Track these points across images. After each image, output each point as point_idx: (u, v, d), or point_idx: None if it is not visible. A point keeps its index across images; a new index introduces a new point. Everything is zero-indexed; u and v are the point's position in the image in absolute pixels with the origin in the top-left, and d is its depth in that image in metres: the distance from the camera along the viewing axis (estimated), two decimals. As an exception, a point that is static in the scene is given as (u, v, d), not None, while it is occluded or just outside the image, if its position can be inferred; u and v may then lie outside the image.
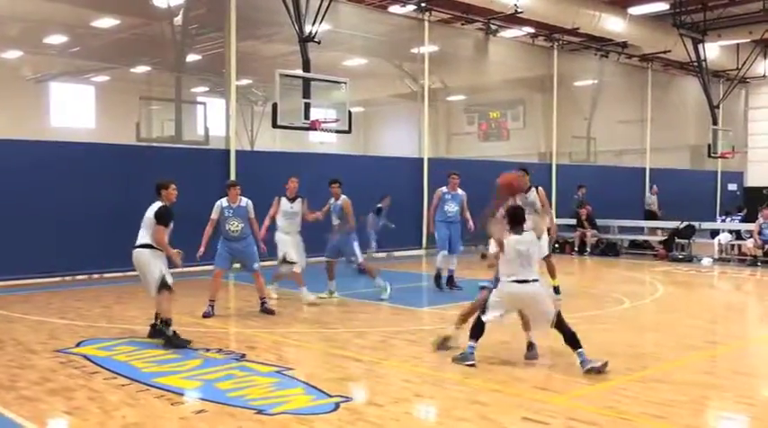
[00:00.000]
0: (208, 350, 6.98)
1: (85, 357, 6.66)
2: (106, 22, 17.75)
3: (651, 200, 20.48)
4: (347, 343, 7.41)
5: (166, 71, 17.38)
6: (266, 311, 9.09)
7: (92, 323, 8.50)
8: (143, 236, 7.56)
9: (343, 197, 10.22)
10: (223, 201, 9.17)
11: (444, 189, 11.11)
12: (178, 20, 15.20)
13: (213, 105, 16.47)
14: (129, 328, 8.05)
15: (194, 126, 16.62)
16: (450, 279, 11.01)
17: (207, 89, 21.82)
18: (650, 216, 20.14)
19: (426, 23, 17.41)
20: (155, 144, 14.84)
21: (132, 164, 12.87)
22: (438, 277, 11.04)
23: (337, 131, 13.81)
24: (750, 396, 5.73)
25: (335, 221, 10.25)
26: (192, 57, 16.52)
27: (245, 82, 21.64)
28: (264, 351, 7.01)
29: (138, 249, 7.47)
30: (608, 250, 17.14)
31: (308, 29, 13.22)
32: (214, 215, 9.14)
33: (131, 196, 12.57)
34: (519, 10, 16.58)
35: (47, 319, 8.60)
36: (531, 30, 19.87)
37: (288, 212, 10.04)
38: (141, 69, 22.90)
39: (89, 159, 12.28)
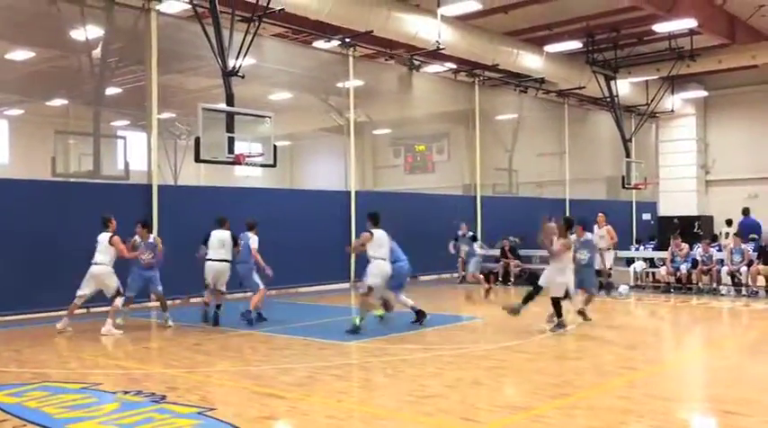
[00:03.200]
0: (126, 392, 6.73)
1: (-7, 405, 6.31)
2: (20, 55, 17.22)
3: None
4: (272, 380, 7.29)
5: (84, 104, 16.93)
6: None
7: (1, 367, 8.06)
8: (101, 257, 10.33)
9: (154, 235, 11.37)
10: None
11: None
12: (97, 52, 14.86)
13: (134, 139, 16.12)
14: (41, 372, 7.67)
15: (114, 160, 16.19)
16: None
17: (128, 123, 21.36)
18: None
19: (351, 58, 17.63)
20: (72, 179, 14.37)
21: (47, 199, 12.42)
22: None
23: (262, 165, 13.72)
24: (664, 418, 5.93)
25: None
26: (111, 91, 16.15)
27: (167, 115, 21.29)
28: (186, 391, 6.81)
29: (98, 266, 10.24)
30: (531, 280, 17.49)
31: (231, 63, 13.16)
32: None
33: (47, 232, 12.15)
34: (441, 46, 16.97)
35: (-49, 365, 8.13)
36: (453, 65, 20.38)
37: None
38: (58, 103, 22.27)
39: (1, 195, 11.77)
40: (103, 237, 10.62)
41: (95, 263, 10.46)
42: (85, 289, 10.44)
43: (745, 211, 18.96)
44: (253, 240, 11.47)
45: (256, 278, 11.29)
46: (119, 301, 10.46)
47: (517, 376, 7.76)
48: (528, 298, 10.48)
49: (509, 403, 6.53)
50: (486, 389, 7.02)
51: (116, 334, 10.20)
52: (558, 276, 10.31)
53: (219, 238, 11.14)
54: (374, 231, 10.43)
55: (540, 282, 10.51)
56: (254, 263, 11.34)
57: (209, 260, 11.04)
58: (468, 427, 5.65)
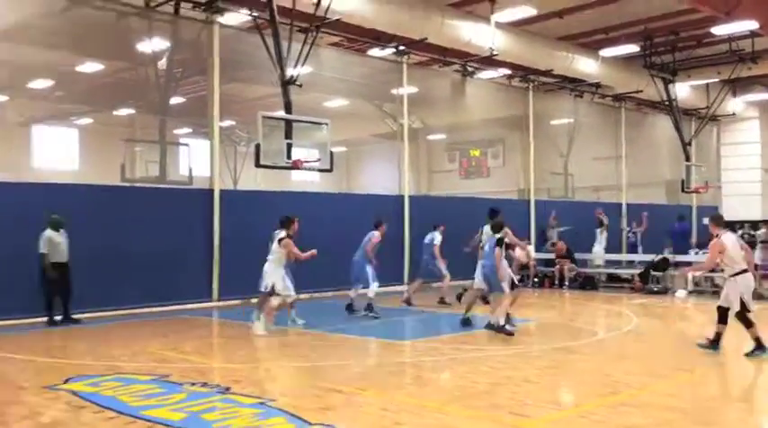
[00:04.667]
0: (193, 384, 7.15)
1: (73, 393, 6.80)
2: (90, 67, 18.12)
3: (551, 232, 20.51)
4: (329, 375, 7.61)
5: (150, 114, 17.72)
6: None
7: (77, 361, 8.63)
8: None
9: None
10: None
11: (378, 233, 12.46)
12: (162, 64, 15.56)
13: (197, 146, 16.80)
14: (114, 365, 8.19)
15: (178, 167, 16.93)
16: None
17: (190, 130, 22.21)
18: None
19: (404, 66, 17.93)
20: (139, 184, 15.08)
21: (118, 204, 13.09)
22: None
23: (319, 170, 14.14)
24: (710, 418, 6.00)
25: None
26: (175, 100, 16.85)
27: (228, 123, 22.04)
28: (249, 384, 7.19)
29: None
30: (586, 283, 17.47)
31: (289, 72, 13.62)
32: None
33: (117, 236, 12.82)
34: (494, 53, 17.13)
35: (34, 358, 8.72)
36: (507, 71, 20.46)
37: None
38: (125, 112, 23.30)
39: (74, 200, 12.46)
40: (277, 235, 10.81)
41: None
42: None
43: (681, 218, 19.90)
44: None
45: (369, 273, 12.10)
46: (275, 300, 10.49)
47: (568, 375, 7.90)
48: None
49: (558, 400, 6.68)
50: (535, 387, 7.18)
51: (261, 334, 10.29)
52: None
53: None
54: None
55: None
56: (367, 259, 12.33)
57: None
58: (516, 421, 5.84)
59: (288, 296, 10.61)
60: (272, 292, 10.43)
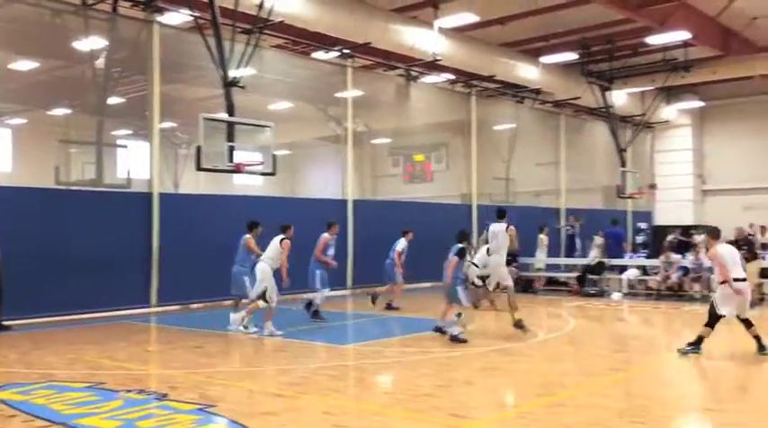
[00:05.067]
0: (129, 391, 6.98)
1: (2, 401, 6.55)
2: (24, 65, 17.54)
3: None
4: (270, 380, 7.55)
5: (87, 114, 17.23)
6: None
7: (8, 368, 8.32)
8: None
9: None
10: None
11: (328, 235, 12.34)
12: (100, 63, 15.16)
13: (136, 148, 16.40)
14: (47, 373, 7.92)
15: (116, 169, 16.49)
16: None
17: (130, 132, 21.67)
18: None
19: (349, 69, 17.95)
20: (74, 187, 14.64)
21: (52, 207, 12.70)
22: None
23: (262, 174, 14.00)
24: (642, 416, 6.18)
25: None
26: (113, 100, 16.43)
27: (168, 125, 21.60)
28: (187, 390, 7.07)
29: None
30: (527, 287, 17.77)
31: (232, 73, 13.47)
32: None
33: (51, 239, 12.43)
34: (438, 58, 17.31)
35: (-41, 366, 8.38)
36: (450, 76, 20.70)
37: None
38: (61, 112, 22.61)
39: (5, 203, 12.04)
40: (277, 239, 10.99)
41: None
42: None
43: (614, 222, 20.58)
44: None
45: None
46: (262, 303, 10.62)
47: (507, 376, 8.03)
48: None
49: (497, 401, 6.78)
50: (476, 389, 7.28)
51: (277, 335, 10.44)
52: None
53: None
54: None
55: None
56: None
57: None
58: (456, 423, 5.91)
59: (273, 304, 10.66)
60: (263, 297, 10.56)
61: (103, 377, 7.62)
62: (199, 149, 12.36)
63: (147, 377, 8.07)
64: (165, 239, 13.93)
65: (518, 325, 10.58)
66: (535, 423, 5.91)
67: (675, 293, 15.89)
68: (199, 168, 12.53)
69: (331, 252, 12.29)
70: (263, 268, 10.72)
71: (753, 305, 14.34)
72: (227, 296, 14.91)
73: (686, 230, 23.64)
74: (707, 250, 16.84)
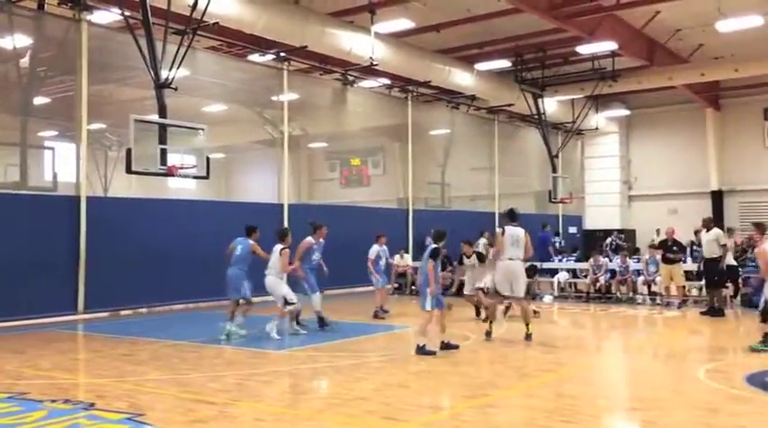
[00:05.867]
0: (53, 401, 6.75)
1: None
2: (-59, 62, 16.76)
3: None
4: (201, 387, 7.41)
5: (10, 114, 16.59)
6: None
7: None
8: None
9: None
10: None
11: (312, 239, 11.74)
12: (25, 61, 14.63)
13: (63, 150, 15.88)
14: (-36, 384, 7.59)
15: (42, 171, 15.92)
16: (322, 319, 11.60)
17: (56, 133, 20.95)
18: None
19: (285, 72, 17.84)
20: (-3, 191, 14.07)
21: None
22: (322, 318, 11.60)
23: (195, 177, 13.75)
24: (571, 415, 6.34)
25: None
26: (39, 100, 15.88)
27: (97, 126, 20.99)
28: (115, 398, 6.87)
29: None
30: (459, 291, 17.95)
31: (164, 74, 13.19)
32: None
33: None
34: (374, 62, 17.39)
35: None
36: (386, 81, 20.83)
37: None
38: (-18, 112, 21.66)
39: None
40: (277, 249, 11.00)
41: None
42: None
43: (543, 226, 21.19)
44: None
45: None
46: (291, 308, 10.84)
47: (441, 379, 8.10)
48: None
49: (430, 404, 6.84)
50: (409, 392, 7.32)
51: (275, 338, 10.48)
52: None
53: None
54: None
55: None
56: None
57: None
58: (389, 426, 5.93)
59: (295, 304, 10.90)
60: (287, 303, 10.75)
61: (26, 386, 7.35)
62: (129, 152, 12.06)
63: (73, 386, 7.81)
64: (93, 244, 13.54)
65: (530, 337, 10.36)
66: (466, 425, 5.99)
67: (603, 295, 16.37)
68: (129, 171, 12.22)
69: (316, 256, 11.69)
70: (272, 282, 10.89)
71: (680, 306, 14.99)
72: (157, 302, 14.67)
73: (619, 233, 24.51)
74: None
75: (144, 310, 14.22)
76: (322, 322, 11.55)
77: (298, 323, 11.38)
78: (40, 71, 15.08)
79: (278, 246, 11.05)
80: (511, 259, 10.39)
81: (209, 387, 7.44)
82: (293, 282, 11.43)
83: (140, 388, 7.43)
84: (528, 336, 10.39)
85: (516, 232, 10.43)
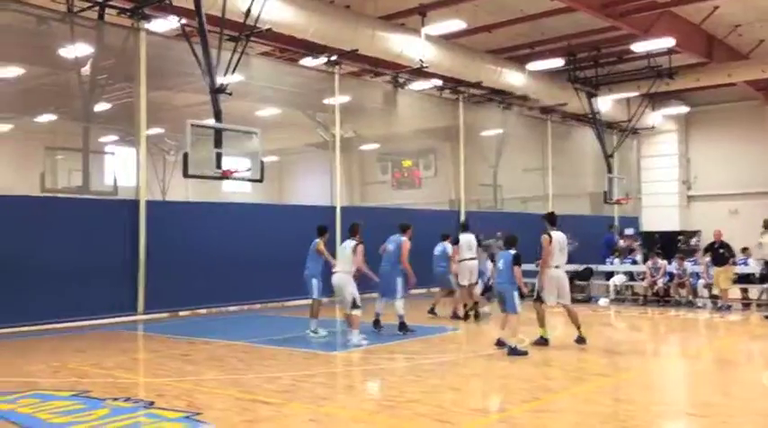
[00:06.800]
0: (115, 399, 6.97)
1: (-14, 411, 6.53)
2: (11, 71, 17.44)
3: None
4: (257, 388, 7.54)
5: (73, 121, 17.17)
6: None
7: (-8, 377, 8.28)
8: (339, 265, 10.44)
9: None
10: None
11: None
12: (86, 69, 15.14)
13: (123, 155, 16.37)
14: (31, 381, 7.89)
15: (103, 176, 16.45)
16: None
17: (116, 138, 21.60)
18: None
19: (337, 76, 18.00)
20: (60, 195, 14.59)
21: (37, 215, 12.64)
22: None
23: (250, 180, 13.99)
24: (626, 421, 6.23)
25: None
26: (100, 107, 16.40)
27: (156, 131, 21.55)
28: (173, 398, 7.05)
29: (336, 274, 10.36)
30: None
31: (219, 80, 13.46)
32: None
33: (36, 248, 12.36)
34: (425, 65, 17.39)
35: (-57, 375, 8.32)
36: (437, 82, 20.79)
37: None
38: (47, 119, 22.50)
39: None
40: (348, 244, 10.63)
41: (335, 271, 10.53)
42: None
43: (609, 227, 20.81)
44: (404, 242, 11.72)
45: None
46: (357, 312, 10.29)
47: (493, 382, 8.06)
48: None
49: (482, 407, 6.81)
50: (461, 395, 7.31)
51: (363, 345, 10.12)
52: None
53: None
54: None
55: None
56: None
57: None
58: (443, 429, 5.94)
59: (360, 309, 10.42)
60: (355, 306, 10.28)
61: (89, 385, 7.59)
62: (186, 156, 12.33)
63: (133, 385, 8.05)
64: (153, 247, 13.90)
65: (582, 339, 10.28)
66: (520, 429, 5.95)
67: (662, 298, 15.99)
68: (186, 175, 12.51)
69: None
70: (342, 279, 10.42)
71: (722, 308, 14.59)
72: (214, 303, 14.97)
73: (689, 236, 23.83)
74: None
75: (202, 311, 14.52)
76: (403, 327, 11.28)
77: (405, 330, 11.21)
78: (101, 79, 15.57)
79: (350, 242, 10.69)
80: (558, 267, 10.21)
81: (265, 387, 7.56)
82: (364, 285, 11.13)
83: (198, 388, 7.61)
84: (581, 340, 10.22)
85: (562, 238, 10.28)
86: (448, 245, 13.69)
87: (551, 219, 10.46)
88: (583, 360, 9.44)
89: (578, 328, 10.33)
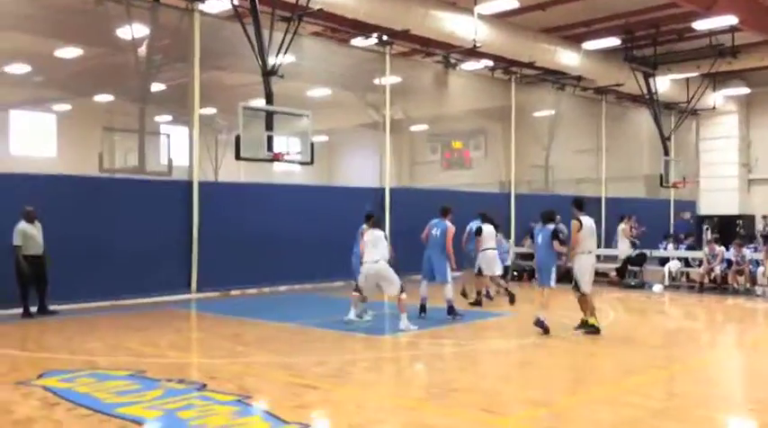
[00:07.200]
0: (169, 380, 7.12)
1: (47, 388, 6.75)
2: (69, 52, 17.86)
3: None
4: (306, 371, 7.62)
5: (129, 100, 17.52)
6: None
7: (52, 354, 8.56)
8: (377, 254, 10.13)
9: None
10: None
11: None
12: (142, 50, 15.38)
13: (176, 133, 16.65)
14: (90, 360, 8.13)
15: (158, 156, 16.77)
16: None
17: (171, 118, 21.97)
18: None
19: (387, 56, 17.87)
20: (118, 175, 14.93)
21: (96, 194, 12.97)
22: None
23: (300, 163, 14.08)
24: (680, 415, 6.08)
25: None
26: (155, 87, 16.67)
27: (208, 111, 21.83)
28: (225, 380, 7.17)
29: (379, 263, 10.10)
30: (564, 277, 17.49)
31: (271, 61, 13.52)
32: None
33: (95, 227, 12.70)
34: (477, 44, 17.12)
35: (8, 351, 8.64)
36: (489, 63, 20.46)
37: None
38: (104, 98, 23.02)
39: (52, 190, 12.31)
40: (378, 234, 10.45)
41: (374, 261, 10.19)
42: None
43: (683, 214, 20.54)
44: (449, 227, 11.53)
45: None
46: (404, 296, 10.19)
47: (543, 372, 7.96)
48: None
49: (531, 397, 6.73)
50: (511, 384, 7.25)
51: (413, 330, 10.05)
52: None
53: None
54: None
55: None
56: None
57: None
58: (489, 419, 5.89)
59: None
60: (402, 290, 10.23)
61: (144, 365, 7.78)
62: (238, 139, 12.48)
63: (186, 365, 8.23)
64: (205, 227, 14.14)
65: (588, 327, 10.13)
66: (568, 421, 5.87)
67: (719, 286, 15.55)
68: (239, 157, 12.66)
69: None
70: (382, 267, 10.21)
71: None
72: (265, 283, 15.18)
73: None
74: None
75: (253, 291, 14.73)
76: (452, 310, 11.27)
77: (454, 314, 11.20)
78: (156, 59, 15.82)
79: (380, 232, 10.58)
80: (590, 252, 10.02)
81: (314, 371, 7.63)
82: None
83: (248, 370, 7.73)
84: (590, 327, 9.92)
85: (592, 223, 10.13)
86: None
87: (579, 205, 10.24)
88: (636, 350, 9.26)
89: (593, 315, 10.03)
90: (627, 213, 18.51)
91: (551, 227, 10.16)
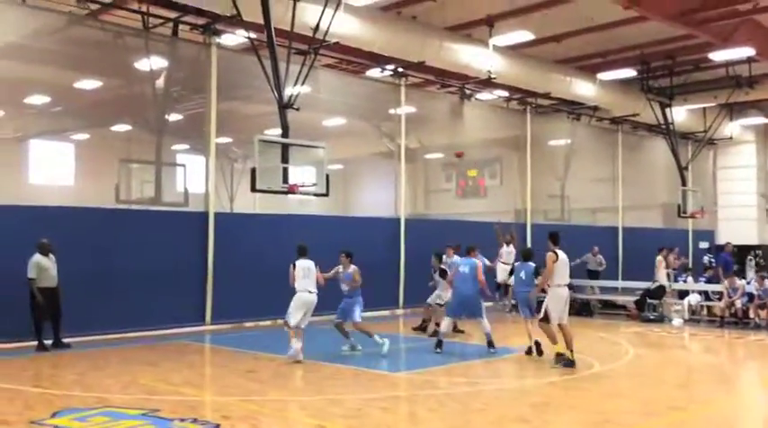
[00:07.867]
0: (182, 420, 7.04)
1: (59, 428, 6.69)
2: (88, 84, 18.08)
3: (590, 259, 19.53)
4: (322, 411, 7.50)
5: (146, 130, 17.66)
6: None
7: (66, 391, 8.51)
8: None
9: (353, 266, 11.22)
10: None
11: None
12: (160, 82, 15.52)
13: (192, 163, 16.71)
14: (103, 397, 8.06)
15: (174, 186, 16.82)
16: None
17: (187, 147, 22.12)
18: (592, 275, 19.61)
19: (402, 87, 17.93)
20: (134, 207, 14.96)
21: (112, 226, 13.00)
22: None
23: (315, 195, 14.06)
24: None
25: (345, 287, 11.20)
26: (172, 117, 16.79)
27: (224, 140, 21.95)
28: (239, 420, 7.07)
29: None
30: (582, 310, 17.35)
31: (287, 92, 13.59)
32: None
33: (110, 259, 12.72)
34: (492, 76, 17.15)
35: (21, 388, 8.59)
36: (504, 93, 20.48)
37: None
38: (122, 128, 23.24)
39: (67, 222, 12.35)
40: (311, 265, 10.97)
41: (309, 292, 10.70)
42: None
43: (725, 246, 19.76)
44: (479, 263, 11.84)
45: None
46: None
47: (561, 413, 7.79)
48: None
49: None
50: (528, 426, 7.09)
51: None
52: None
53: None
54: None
55: None
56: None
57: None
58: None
59: None
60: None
61: (158, 403, 7.70)
62: (254, 171, 12.49)
63: (200, 404, 8.13)
64: (220, 258, 14.11)
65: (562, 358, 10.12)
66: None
67: (740, 320, 15.27)
68: (254, 189, 12.67)
69: None
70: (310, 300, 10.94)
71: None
72: (279, 315, 15.08)
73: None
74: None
75: (267, 323, 14.64)
76: (492, 344, 11.30)
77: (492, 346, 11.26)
78: (173, 91, 15.95)
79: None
80: (561, 286, 10.18)
81: (329, 411, 7.52)
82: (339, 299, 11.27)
83: (263, 410, 7.62)
84: (565, 361, 9.94)
85: (566, 257, 10.36)
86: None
87: (554, 238, 10.45)
88: (656, 389, 9.06)
89: (570, 351, 10.02)
90: (666, 246, 18.21)
91: (532, 264, 11.22)
